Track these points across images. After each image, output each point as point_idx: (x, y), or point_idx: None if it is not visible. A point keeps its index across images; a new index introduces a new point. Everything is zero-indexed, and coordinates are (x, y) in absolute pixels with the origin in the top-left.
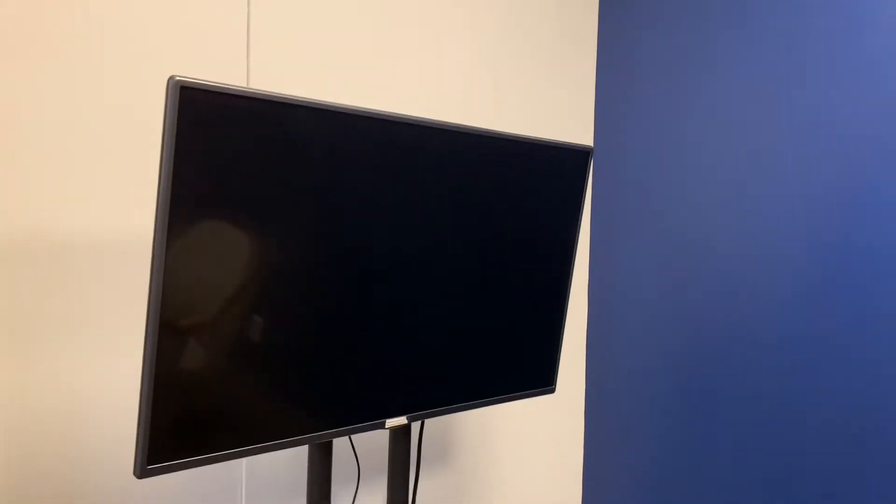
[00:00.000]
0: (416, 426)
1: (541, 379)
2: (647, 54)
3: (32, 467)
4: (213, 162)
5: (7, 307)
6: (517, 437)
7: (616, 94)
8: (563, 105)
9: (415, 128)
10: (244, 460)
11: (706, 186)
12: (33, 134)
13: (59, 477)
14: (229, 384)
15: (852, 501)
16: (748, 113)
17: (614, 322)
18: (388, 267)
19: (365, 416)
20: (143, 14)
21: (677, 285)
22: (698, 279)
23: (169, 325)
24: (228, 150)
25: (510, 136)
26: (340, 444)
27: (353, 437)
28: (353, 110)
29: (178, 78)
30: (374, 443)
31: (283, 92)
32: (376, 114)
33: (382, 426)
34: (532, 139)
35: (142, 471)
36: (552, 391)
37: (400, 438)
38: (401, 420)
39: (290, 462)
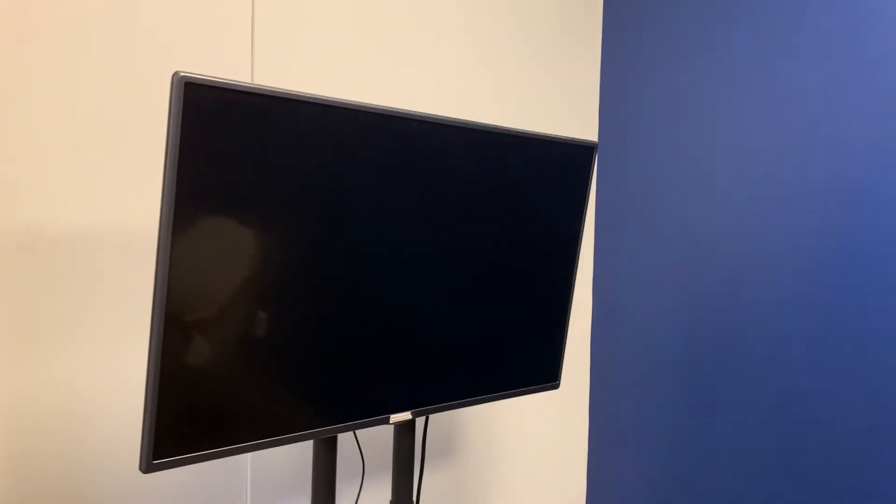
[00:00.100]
0: (420, 421)
1: (545, 374)
2: (651, 51)
3: (34, 467)
4: (218, 158)
5: (9, 306)
6: (522, 433)
7: (620, 91)
8: (568, 102)
9: (418, 123)
10: (249, 455)
11: (710, 183)
12: (36, 131)
13: (61, 477)
14: (234, 379)
15: (858, 502)
16: (752, 110)
17: (618, 318)
18: (392, 262)
19: (369, 411)
20: (148, 11)
21: (681, 282)
22: (702, 276)
23: (174, 321)
24: (233, 146)
25: (514, 131)
26: (345, 440)
27: (357, 432)
28: (357, 106)
29: (182, 74)
30: (378, 438)
31: (287, 87)
32: (380, 109)
33: (387, 421)
34: (536, 134)
35: (147, 465)
36: (556, 387)
37: (404, 433)
38: (405, 415)
39: (295, 457)
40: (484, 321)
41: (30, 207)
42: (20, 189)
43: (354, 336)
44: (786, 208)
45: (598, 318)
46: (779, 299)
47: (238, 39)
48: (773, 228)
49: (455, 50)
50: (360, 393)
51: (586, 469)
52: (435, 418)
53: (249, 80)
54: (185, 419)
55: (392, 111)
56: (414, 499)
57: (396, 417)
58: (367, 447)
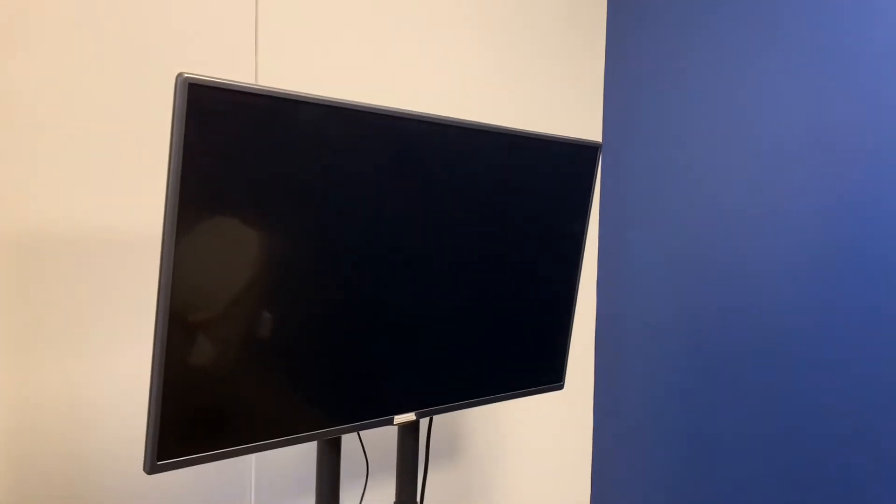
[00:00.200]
0: (424, 422)
1: (549, 375)
2: (655, 50)
3: (37, 467)
4: (222, 159)
5: (13, 306)
6: (526, 434)
7: (624, 91)
8: (572, 102)
9: (423, 124)
10: (253, 456)
11: (714, 183)
12: (39, 131)
13: (64, 477)
14: (239, 380)
15: (864, 502)
16: (757, 110)
17: (623, 318)
18: (396, 263)
19: (373, 412)
20: (152, 11)
21: (685, 281)
22: (707, 275)
23: (178, 322)
24: (237, 147)
25: (518, 131)
26: (349, 441)
27: (361, 433)
28: (361, 107)
29: (186, 75)
30: (382, 439)
31: (291, 89)
32: (384, 110)
33: (391, 422)
34: (540, 135)
35: (152, 466)
36: (561, 387)
37: (408, 434)
38: (409, 416)
39: (300, 458)
40: (488, 322)
41: (34, 208)
42: (24, 189)
43: (358, 337)
44: (791, 209)
45: (602, 319)
46: (783, 301)
47: (242, 40)
48: (777, 229)
49: (459, 51)
50: (364, 394)
51: (591, 470)
52: (439, 419)
53: (253, 81)
54: (190, 420)
55: (395, 112)
56: (418, 499)
57: (400, 418)
58: (370, 448)
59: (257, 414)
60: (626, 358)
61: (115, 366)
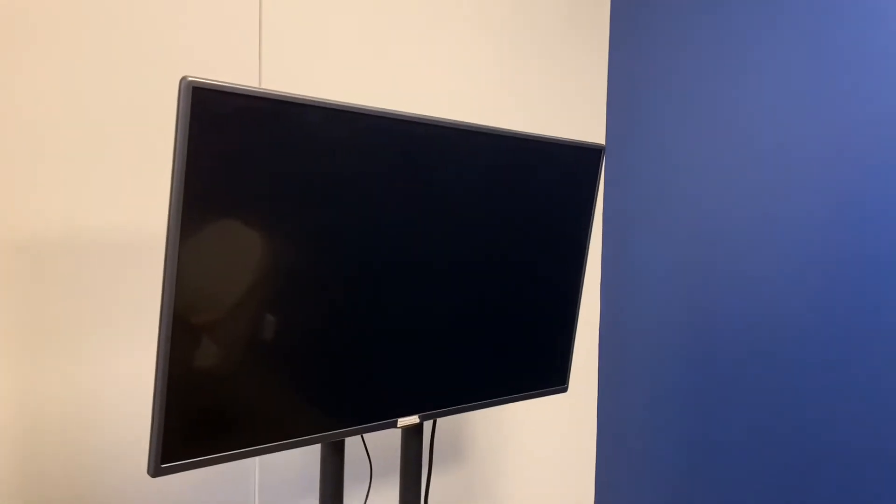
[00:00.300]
0: (428, 425)
1: (553, 378)
2: (658, 53)
3: (41, 470)
4: (225, 161)
5: (17, 308)
6: (529, 437)
7: (628, 93)
8: (575, 105)
9: (426, 127)
10: (257, 459)
11: (718, 185)
12: (44, 134)
13: (68, 480)
14: (242, 383)
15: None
16: (760, 113)
17: (627, 321)
18: (399, 265)
19: (377, 415)
20: (156, 15)
21: (689, 283)
22: (710, 277)
23: (182, 324)
24: (241, 151)
25: (522, 134)
26: (353, 443)
27: (365, 436)
28: (364, 110)
29: (190, 78)
30: (386, 442)
31: (295, 92)
32: (387, 113)
33: (394, 425)
34: (544, 137)
35: (156, 470)
36: (564, 390)
37: (412, 437)
38: (413, 419)
39: (303, 461)
40: (492, 324)
41: (38, 210)
42: (30, 192)
43: (362, 339)
44: (797, 211)
45: (606, 321)
46: (789, 303)
47: (246, 43)
48: (781, 232)
49: (462, 53)
50: (368, 396)
51: (594, 473)
52: (442, 422)
53: (257, 84)
54: (194, 423)
55: (398, 115)
56: (421, 502)
57: (404, 421)
58: (374, 450)
59: (261, 417)
60: (630, 360)
61: (119, 368)
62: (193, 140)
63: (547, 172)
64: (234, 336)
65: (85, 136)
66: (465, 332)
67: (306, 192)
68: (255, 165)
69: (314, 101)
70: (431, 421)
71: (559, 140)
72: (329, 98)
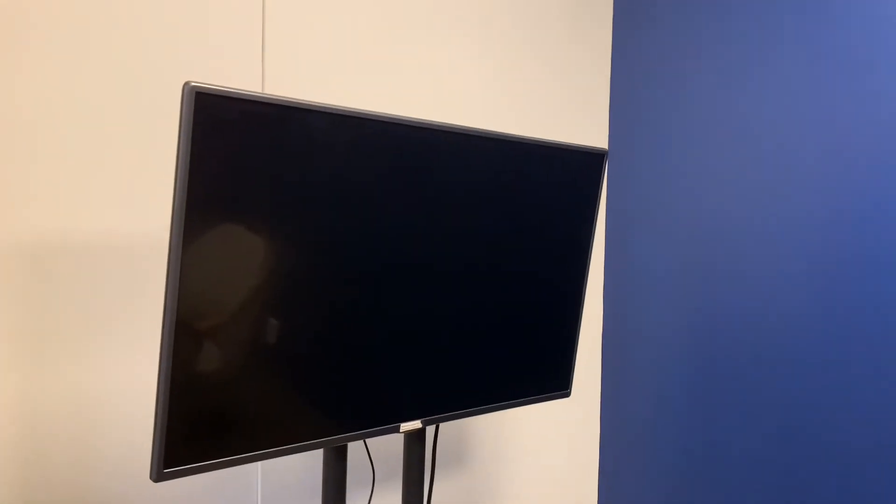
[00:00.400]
0: (430, 430)
1: (556, 382)
2: (661, 57)
3: (43, 474)
4: (229, 166)
5: (20, 311)
6: (532, 441)
7: (630, 98)
8: (578, 109)
9: (428, 132)
10: (259, 464)
11: (721, 188)
12: (45, 138)
13: (69, 484)
14: (245, 387)
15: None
16: (762, 115)
17: (630, 325)
18: (402, 270)
19: (380, 419)
20: (160, 19)
21: (692, 287)
22: (713, 281)
23: (185, 328)
24: (244, 155)
25: (524, 139)
26: (355, 448)
27: (367, 440)
28: (367, 115)
29: (193, 83)
30: (388, 446)
31: (297, 97)
32: (390, 118)
33: (397, 430)
34: (546, 142)
35: (158, 474)
36: (568, 395)
37: (414, 442)
38: (415, 424)
39: (306, 466)
40: (495, 329)
41: (41, 213)
42: (33, 195)
43: (365, 344)
44: (796, 214)
45: (609, 325)
46: (792, 306)
47: (249, 48)
48: (783, 234)
49: (465, 58)
50: (371, 401)
51: (598, 477)
52: (445, 426)
53: (260, 90)
54: (196, 428)
55: (401, 120)
56: None
57: (407, 426)
58: (376, 455)
59: (263, 421)
60: (633, 364)
61: (122, 373)
62: (196, 144)
63: (550, 176)
64: (237, 340)
65: (87, 139)
66: (467, 337)
67: (308, 197)
68: (258, 170)
69: (317, 107)
70: (434, 425)
71: (562, 144)
72: (332, 103)
